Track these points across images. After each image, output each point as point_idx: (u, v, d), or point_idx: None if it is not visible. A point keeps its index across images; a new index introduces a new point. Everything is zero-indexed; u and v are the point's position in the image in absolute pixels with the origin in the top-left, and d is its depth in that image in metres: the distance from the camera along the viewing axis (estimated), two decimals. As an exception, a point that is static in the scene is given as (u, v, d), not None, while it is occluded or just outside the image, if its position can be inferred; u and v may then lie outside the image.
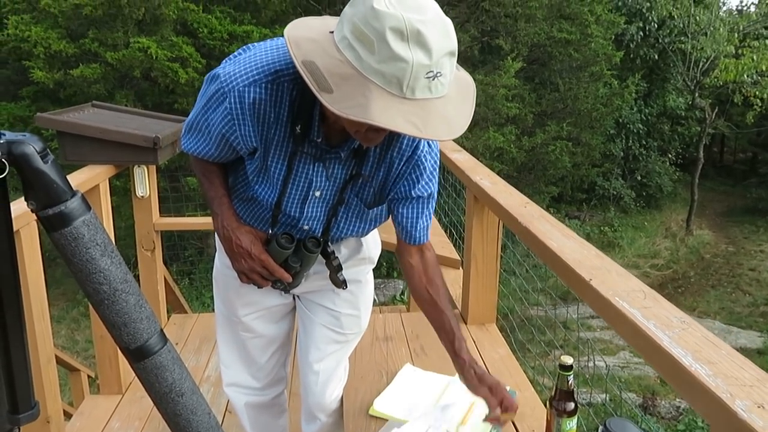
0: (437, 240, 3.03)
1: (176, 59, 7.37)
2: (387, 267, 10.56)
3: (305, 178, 1.24)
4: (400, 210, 1.31)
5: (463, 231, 3.36)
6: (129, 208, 3.29)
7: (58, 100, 8.41)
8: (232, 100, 1.15)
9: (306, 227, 1.32)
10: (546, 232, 1.48)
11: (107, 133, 2.71)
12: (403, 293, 10.29)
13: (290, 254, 1.31)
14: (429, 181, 1.28)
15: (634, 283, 1.14)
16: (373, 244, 1.57)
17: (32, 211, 0.71)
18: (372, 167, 1.25)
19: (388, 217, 1.40)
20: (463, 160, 2.43)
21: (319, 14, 9.69)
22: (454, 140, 3.33)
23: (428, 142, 1.25)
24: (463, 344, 1.32)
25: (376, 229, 1.54)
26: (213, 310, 1.69)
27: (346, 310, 1.55)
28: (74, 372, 3.63)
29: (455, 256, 2.83)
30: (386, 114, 0.91)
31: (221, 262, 1.53)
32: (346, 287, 1.44)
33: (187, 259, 9.89)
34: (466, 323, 2.23)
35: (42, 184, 0.70)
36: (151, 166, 3.06)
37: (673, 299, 11.10)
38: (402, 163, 1.25)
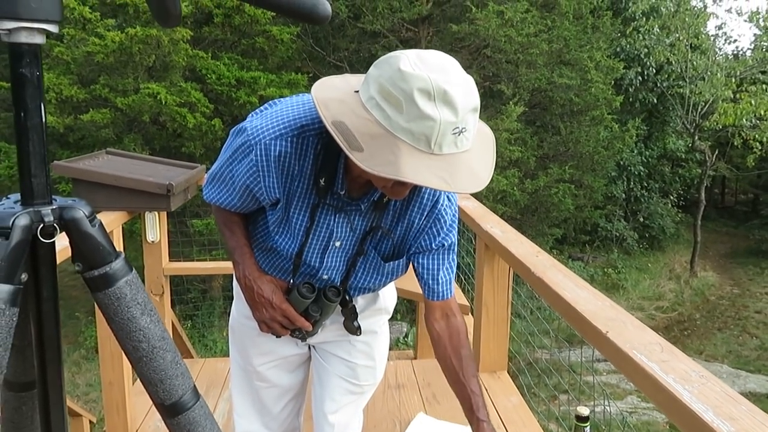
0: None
1: (185, 104, 7.52)
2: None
3: (326, 228, 1.26)
4: (421, 261, 1.31)
5: (472, 276, 3.37)
6: (134, 250, 3.33)
7: (67, 143, 8.55)
8: (259, 153, 1.19)
9: (325, 277, 1.34)
10: (560, 282, 1.50)
11: (121, 180, 2.76)
12: (406, 336, 10.20)
13: (311, 303, 1.32)
14: (449, 232, 1.30)
15: (651, 336, 1.16)
16: (389, 294, 1.57)
17: (78, 272, 0.74)
18: (392, 221, 1.28)
19: (405, 271, 1.41)
20: (473, 207, 2.46)
21: (324, 60, 9.90)
22: (486, 199, 3.39)
23: (448, 196, 1.28)
24: (480, 404, 1.31)
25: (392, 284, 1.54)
26: (217, 353, 1.70)
27: (361, 361, 1.54)
28: (76, 417, 3.60)
29: (464, 301, 2.83)
30: (416, 170, 0.95)
31: (239, 311, 1.53)
32: (360, 333, 1.44)
33: (191, 301, 9.86)
34: (477, 370, 2.23)
35: (89, 247, 0.73)
36: (163, 212, 3.10)
37: (679, 342, 11.01)
38: (423, 218, 1.27)
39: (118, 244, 2.78)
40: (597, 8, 10.76)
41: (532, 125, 9.87)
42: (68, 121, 7.33)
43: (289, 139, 1.18)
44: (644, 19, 14.06)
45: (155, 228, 3.25)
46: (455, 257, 1.36)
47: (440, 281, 1.33)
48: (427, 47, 9.49)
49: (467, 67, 9.15)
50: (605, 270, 13.65)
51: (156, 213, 3.12)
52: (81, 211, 0.73)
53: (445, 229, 1.29)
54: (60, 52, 7.27)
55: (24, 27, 0.64)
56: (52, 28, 0.67)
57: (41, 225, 0.69)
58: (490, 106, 9.59)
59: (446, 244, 1.31)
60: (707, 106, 14.25)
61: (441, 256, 1.32)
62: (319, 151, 1.19)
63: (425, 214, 1.27)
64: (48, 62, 7.56)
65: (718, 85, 13.37)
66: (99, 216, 2.36)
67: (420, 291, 2.84)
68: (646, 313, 12.09)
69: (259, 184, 1.22)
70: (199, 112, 7.63)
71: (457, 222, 1.33)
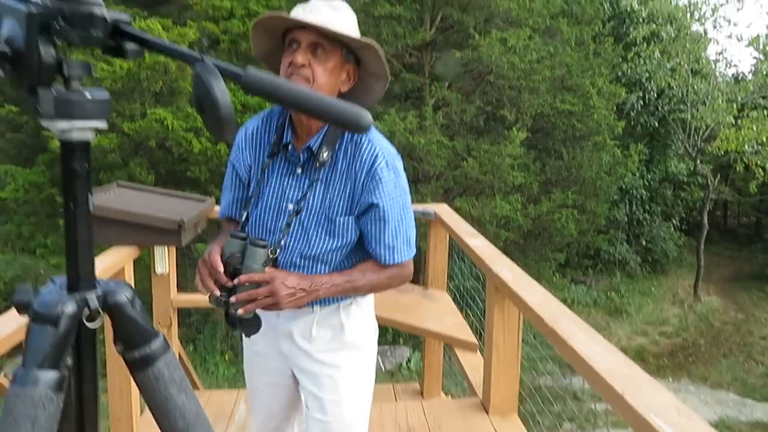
0: (453, 321, 3.06)
1: (190, 129, 7.60)
2: (393, 333, 10.48)
3: (278, 187, 1.41)
4: (364, 226, 1.42)
5: (480, 314, 3.38)
6: (142, 281, 3.32)
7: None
8: (239, 135, 1.48)
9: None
10: (573, 334, 1.52)
11: (133, 216, 2.79)
12: (409, 360, 10.17)
13: (239, 249, 1.32)
14: (386, 195, 1.38)
15: (667, 398, 1.17)
16: (358, 328, 1.56)
17: (119, 353, 0.77)
18: (338, 177, 1.39)
19: (354, 239, 1.44)
20: (482, 246, 2.49)
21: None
22: (472, 224, 3.41)
23: (386, 161, 1.37)
24: (336, 278, 1.40)
25: (364, 314, 1.57)
26: (219, 378, 1.74)
27: (327, 395, 1.56)
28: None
29: (472, 339, 2.84)
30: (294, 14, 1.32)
31: (246, 344, 1.63)
32: (233, 309, 1.35)
33: (192, 324, 9.85)
34: (487, 413, 2.24)
35: (131, 330, 0.76)
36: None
37: (684, 368, 10.92)
38: (363, 174, 1.37)
39: (129, 279, 2.81)
40: (598, 34, 10.89)
41: (535, 150, 9.94)
42: (75, 145, 7.37)
43: (261, 118, 1.46)
44: (645, 44, 14.21)
45: (164, 260, 3.27)
46: (401, 229, 1.43)
47: (383, 244, 1.42)
48: (430, 73, 9.60)
49: (470, 92, 9.29)
50: (608, 294, 13.63)
51: (166, 246, 3.15)
52: (124, 295, 0.75)
53: (381, 188, 1.37)
54: (69, 77, 7.35)
55: (77, 126, 0.68)
56: (101, 125, 0.70)
57: (87, 311, 0.72)
58: (493, 131, 9.67)
59: (383, 205, 1.38)
60: (709, 130, 14.33)
61: (381, 221, 1.40)
62: (282, 122, 1.41)
63: (365, 170, 1.36)
64: (57, 87, 7.64)
65: (719, 111, 13.47)
66: (111, 251, 2.37)
67: (423, 326, 2.84)
68: (650, 338, 12.05)
69: (238, 161, 1.47)
70: (204, 137, 7.70)
71: (399, 193, 1.40)
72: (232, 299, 1.30)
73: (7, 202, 8.55)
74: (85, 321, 0.72)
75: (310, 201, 1.39)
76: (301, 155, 1.38)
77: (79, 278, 0.72)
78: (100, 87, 0.71)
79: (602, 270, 14.69)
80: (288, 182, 1.40)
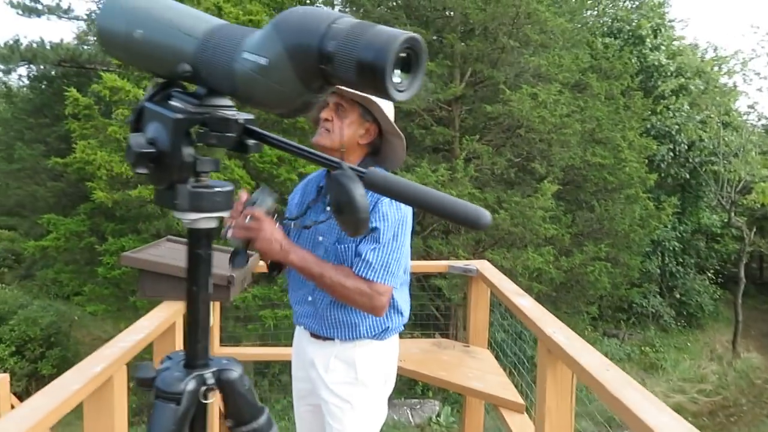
0: (497, 380, 3.03)
1: (228, 181, 7.78)
2: (422, 386, 10.31)
3: (311, 216, 1.79)
4: (359, 245, 1.68)
5: (527, 373, 3.34)
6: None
7: (112, 216, 8.85)
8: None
9: None
10: (638, 404, 1.50)
11: (185, 271, 2.86)
12: (439, 415, 9.95)
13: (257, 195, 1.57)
14: (384, 221, 1.65)
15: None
16: (370, 368, 1.78)
17: (229, 428, 0.80)
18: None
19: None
20: (530, 307, 2.49)
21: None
22: (514, 281, 3.42)
23: (390, 201, 1.64)
24: (310, 258, 1.62)
25: (379, 358, 1.81)
26: None
27: (335, 424, 1.78)
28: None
29: (519, 399, 2.81)
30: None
31: (292, 372, 1.97)
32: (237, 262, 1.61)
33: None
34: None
35: (241, 406, 0.79)
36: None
37: (726, 430, 10.49)
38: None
39: (179, 333, 2.86)
40: (628, 89, 10.99)
41: (566, 202, 9.92)
42: (116, 196, 7.62)
43: (319, 172, 1.88)
44: (674, 97, 14.26)
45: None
46: (389, 251, 1.66)
47: (364, 259, 1.64)
48: (460, 126, 9.75)
49: (501, 146, 9.38)
50: (642, 348, 13.27)
51: (211, 299, 3.20)
52: (235, 372, 0.79)
53: (381, 218, 1.65)
54: (113, 131, 7.66)
55: (205, 217, 0.73)
56: (226, 214, 0.76)
57: (203, 388, 0.76)
58: (524, 184, 9.70)
59: (381, 232, 1.64)
60: (742, 183, 14.16)
61: (374, 242, 1.65)
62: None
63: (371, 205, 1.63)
64: (101, 140, 7.96)
65: (753, 163, 13.34)
66: (163, 305, 2.46)
67: (467, 384, 2.83)
68: (689, 396, 11.64)
69: (291, 200, 1.94)
70: (241, 189, 7.87)
71: (393, 221, 1.67)
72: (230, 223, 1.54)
73: (48, 250, 8.79)
74: (201, 398, 0.76)
75: (326, 226, 1.73)
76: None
77: (197, 356, 0.77)
78: (226, 180, 0.77)
79: (635, 323, 14.35)
80: (318, 214, 1.77)
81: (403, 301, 1.91)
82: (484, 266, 3.45)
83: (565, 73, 9.17)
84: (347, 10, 11.11)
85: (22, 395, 10.19)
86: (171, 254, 3.18)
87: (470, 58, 9.59)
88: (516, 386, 3.43)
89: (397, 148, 1.77)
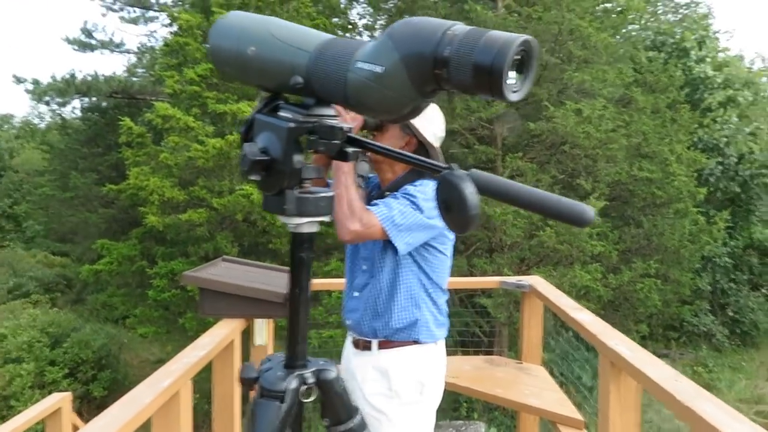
0: (554, 397, 2.99)
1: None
2: (467, 408, 10.17)
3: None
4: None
5: (585, 389, 3.28)
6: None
7: (163, 240, 9.10)
8: None
9: None
10: (714, 415, 1.47)
11: (242, 289, 2.94)
12: (486, 437, 9.79)
13: None
14: (405, 191, 1.83)
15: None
16: (403, 375, 1.84)
17: (326, 427, 0.83)
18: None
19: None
20: (590, 321, 2.46)
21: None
22: (551, 282, 3.38)
23: (416, 185, 1.90)
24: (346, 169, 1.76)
25: (416, 369, 1.88)
26: None
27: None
28: None
29: (577, 416, 2.76)
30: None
31: None
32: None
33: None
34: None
35: (338, 405, 0.82)
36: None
37: (790, 453, 10.00)
38: None
39: (238, 351, 2.92)
40: (674, 102, 10.79)
41: (613, 219, 9.73)
42: (168, 220, 7.85)
43: None
44: (722, 109, 13.92)
45: (263, 331, 3.39)
46: (403, 205, 1.79)
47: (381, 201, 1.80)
48: (503, 145, 9.72)
49: (545, 162, 9.29)
50: (694, 368, 12.78)
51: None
52: (333, 372, 0.83)
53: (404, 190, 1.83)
54: (165, 157, 7.92)
55: (309, 221, 0.77)
56: (327, 219, 0.80)
57: (304, 387, 0.79)
58: (569, 200, 9.55)
59: (396, 197, 1.82)
60: (797, 195, 13.67)
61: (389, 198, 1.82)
62: None
63: None
64: (153, 166, 8.23)
65: (807, 175, 12.87)
66: (222, 323, 2.54)
67: (524, 401, 2.83)
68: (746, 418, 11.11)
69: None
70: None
71: (415, 193, 1.82)
72: None
73: (101, 273, 9.08)
74: (301, 397, 0.79)
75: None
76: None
77: (297, 357, 0.80)
78: (326, 188, 0.81)
79: (686, 342, 13.86)
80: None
81: (443, 307, 1.99)
82: (537, 281, 3.42)
83: (609, 87, 9.07)
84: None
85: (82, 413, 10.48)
86: (228, 273, 3.26)
87: (511, 76, 9.57)
88: (581, 407, 3.37)
89: (435, 158, 1.90)
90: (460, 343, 9.65)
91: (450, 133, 9.79)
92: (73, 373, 10.47)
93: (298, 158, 0.74)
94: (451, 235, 2.02)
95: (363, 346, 1.96)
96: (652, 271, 9.05)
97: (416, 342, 1.91)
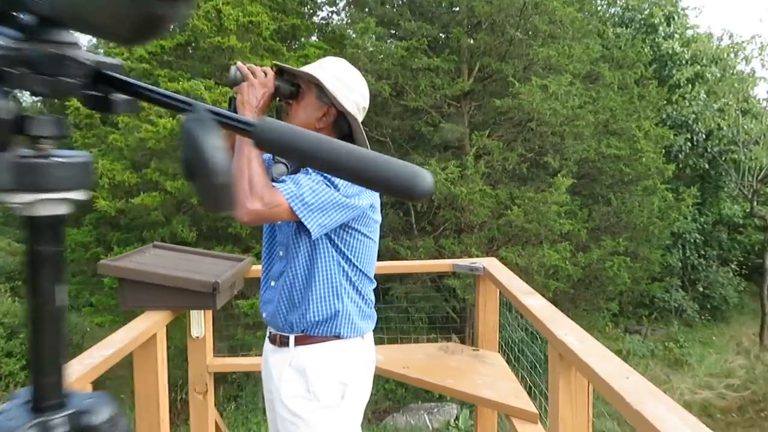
0: (508, 387, 2.79)
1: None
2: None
3: None
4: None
5: (539, 379, 3.09)
6: (177, 343, 3.23)
7: (118, 225, 8.73)
8: None
9: None
10: (663, 417, 1.27)
11: (166, 279, 2.68)
12: (457, 418, 9.69)
13: None
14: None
15: None
16: (322, 375, 1.67)
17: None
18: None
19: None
20: (539, 307, 2.25)
21: (368, 136, 10.01)
22: (519, 275, 3.18)
23: None
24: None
25: (336, 369, 1.69)
26: None
27: None
28: None
29: (532, 408, 2.57)
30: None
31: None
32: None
33: (234, 381, 9.67)
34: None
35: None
36: (209, 309, 2.99)
37: (757, 426, 10.11)
38: None
39: (162, 346, 2.67)
40: (641, 78, 10.66)
41: (581, 197, 9.62)
42: (120, 204, 7.49)
43: None
44: (690, 86, 13.87)
45: (200, 323, 3.15)
46: (315, 182, 1.58)
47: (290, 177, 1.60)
48: (470, 122, 9.51)
49: (512, 140, 9.12)
50: (666, 344, 12.88)
51: (202, 308, 3.03)
52: (102, 415, 0.58)
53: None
54: (114, 139, 7.53)
55: (44, 199, 0.52)
56: (81, 196, 0.55)
57: (52, 438, 0.55)
58: (537, 179, 9.42)
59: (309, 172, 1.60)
60: (764, 171, 13.72)
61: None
62: None
63: None
64: (103, 149, 7.84)
65: (775, 150, 12.92)
66: (143, 316, 2.26)
67: (477, 393, 2.63)
68: (716, 392, 11.24)
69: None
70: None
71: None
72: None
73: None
74: (49, 453, 0.54)
75: None
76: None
77: (46, 394, 0.55)
78: (83, 151, 0.56)
79: (657, 318, 13.96)
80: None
81: (369, 298, 1.81)
82: (491, 264, 3.21)
83: (575, 63, 8.88)
84: (352, 9, 10.93)
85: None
86: (155, 261, 2.99)
87: (477, 52, 9.34)
88: (534, 390, 3.18)
89: (357, 132, 1.71)
90: (434, 327, 9.52)
91: (415, 111, 9.55)
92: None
93: (3, 104, 0.48)
94: (378, 216, 1.80)
95: (280, 341, 1.77)
96: (621, 249, 8.97)
97: (337, 337, 1.72)
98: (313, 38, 11.28)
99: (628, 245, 9.01)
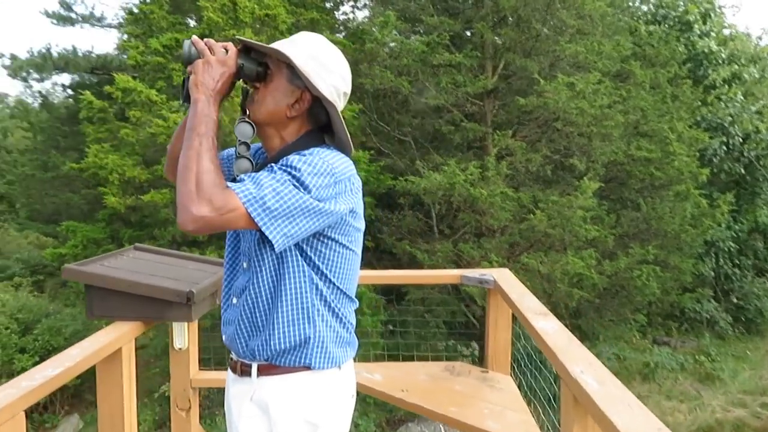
0: (519, 419, 2.46)
1: (244, 183, 7.40)
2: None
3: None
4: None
5: (556, 405, 2.77)
6: (163, 355, 2.98)
7: (129, 222, 8.58)
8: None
9: None
10: None
11: (135, 286, 2.41)
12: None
13: None
14: (284, 162, 1.34)
15: None
16: (290, 414, 1.41)
17: None
18: None
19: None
20: (553, 332, 1.92)
21: (388, 135, 9.65)
22: (542, 282, 2.84)
23: (301, 155, 1.36)
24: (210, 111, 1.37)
25: (306, 399, 1.42)
26: None
27: None
28: None
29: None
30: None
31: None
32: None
33: (222, 393, 9.48)
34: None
35: None
36: (189, 319, 2.72)
37: (793, 450, 9.49)
38: None
39: (130, 363, 2.40)
40: (675, 77, 10.15)
41: (609, 201, 9.17)
42: (130, 201, 7.32)
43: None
44: (726, 86, 13.26)
45: (183, 334, 2.89)
46: (276, 184, 1.29)
47: (248, 175, 1.33)
48: (493, 121, 9.14)
49: (536, 141, 8.72)
50: (696, 357, 12.29)
51: (183, 318, 2.76)
52: None
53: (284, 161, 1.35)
54: (126, 133, 7.36)
55: None
56: None
57: None
58: (562, 181, 9.01)
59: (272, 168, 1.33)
60: (805, 176, 13.07)
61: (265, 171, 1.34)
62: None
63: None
64: (115, 143, 7.68)
65: (817, 155, 12.26)
66: (109, 327, 1.94)
67: (481, 425, 2.28)
68: (750, 410, 10.66)
69: None
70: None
71: (300, 165, 1.32)
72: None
73: (66, 257, 8.56)
74: None
75: None
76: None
77: None
78: None
79: (688, 330, 13.36)
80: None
81: (348, 321, 1.53)
82: (502, 276, 2.88)
83: (605, 60, 8.45)
84: (373, 3, 10.66)
85: (47, 405, 10.09)
86: (131, 266, 2.73)
87: (501, 48, 8.97)
88: (547, 426, 2.84)
89: (335, 121, 1.45)
90: (455, 333, 9.17)
91: (436, 110, 9.22)
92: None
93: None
94: (360, 224, 1.50)
95: (241, 370, 1.52)
96: (650, 257, 8.50)
97: (308, 368, 1.45)
98: (339, 35, 11.02)
99: (658, 253, 8.54)
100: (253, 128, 1.48)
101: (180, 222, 1.27)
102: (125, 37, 9.97)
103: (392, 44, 8.83)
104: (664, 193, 9.07)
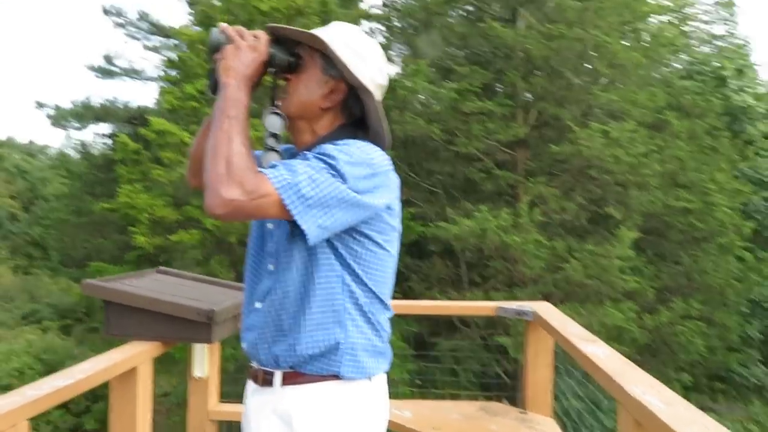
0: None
1: (271, 225, 7.39)
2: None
3: None
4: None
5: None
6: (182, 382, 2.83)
7: (157, 263, 8.57)
8: None
9: None
10: None
11: (156, 303, 2.28)
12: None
13: None
14: (319, 150, 1.24)
15: None
16: (316, 428, 1.28)
17: None
18: None
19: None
20: (605, 357, 1.71)
21: (418, 185, 9.58)
22: (578, 322, 2.64)
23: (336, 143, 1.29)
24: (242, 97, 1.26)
25: (335, 412, 1.29)
26: None
27: None
28: None
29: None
30: None
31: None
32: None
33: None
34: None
35: None
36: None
37: None
38: None
39: (144, 383, 2.25)
40: (713, 129, 9.97)
41: (647, 253, 8.86)
42: (158, 241, 7.33)
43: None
44: (765, 141, 13.00)
45: (203, 361, 2.73)
46: (312, 171, 1.18)
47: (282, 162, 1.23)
48: (525, 169, 9.03)
49: (569, 189, 8.55)
50: (745, 425, 11.54)
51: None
52: None
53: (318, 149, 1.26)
54: (158, 174, 7.45)
55: None
56: None
57: None
58: (597, 232, 8.76)
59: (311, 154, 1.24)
60: None
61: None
62: None
63: None
64: (147, 184, 7.77)
65: None
66: (125, 346, 1.78)
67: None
68: (806, 485, 9.87)
69: None
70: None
71: (336, 153, 1.22)
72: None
73: (93, 299, 8.57)
74: None
75: None
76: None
77: None
78: None
79: (735, 396, 12.62)
80: None
81: (383, 328, 1.36)
82: (543, 308, 2.67)
83: (639, 109, 8.34)
84: (406, 53, 10.84)
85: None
86: (151, 285, 2.62)
87: (533, 97, 8.96)
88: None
89: (372, 113, 1.35)
90: (480, 384, 8.79)
91: (466, 158, 9.16)
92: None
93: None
94: (396, 222, 1.37)
95: (263, 379, 1.38)
96: (694, 313, 8.10)
97: (336, 377, 1.30)
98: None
99: (701, 309, 8.14)
100: (284, 119, 1.38)
101: (208, 206, 1.16)
102: (163, 84, 10.29)
103: (422, 92, 8.90)
104: (705, 246, 8.73)
